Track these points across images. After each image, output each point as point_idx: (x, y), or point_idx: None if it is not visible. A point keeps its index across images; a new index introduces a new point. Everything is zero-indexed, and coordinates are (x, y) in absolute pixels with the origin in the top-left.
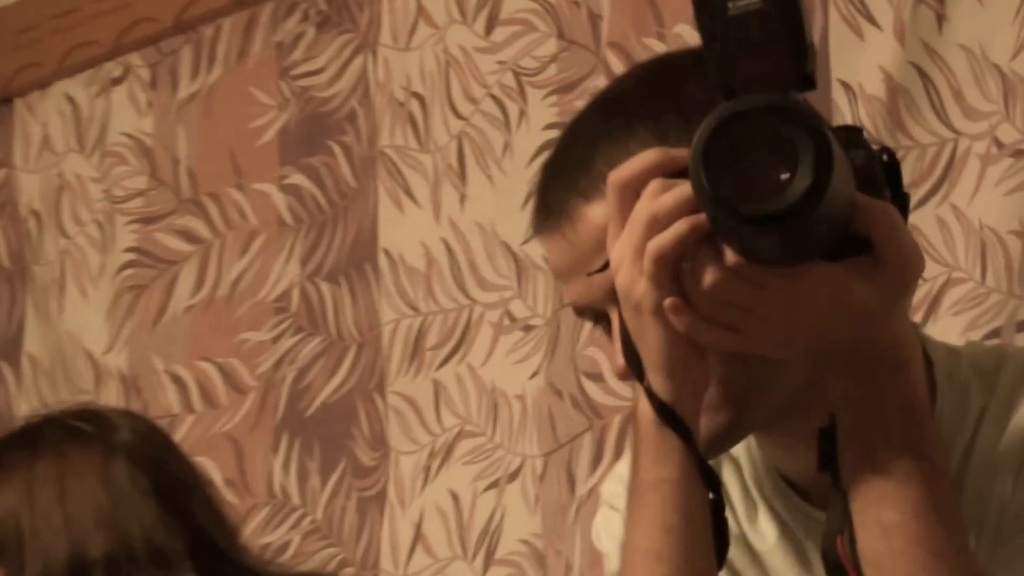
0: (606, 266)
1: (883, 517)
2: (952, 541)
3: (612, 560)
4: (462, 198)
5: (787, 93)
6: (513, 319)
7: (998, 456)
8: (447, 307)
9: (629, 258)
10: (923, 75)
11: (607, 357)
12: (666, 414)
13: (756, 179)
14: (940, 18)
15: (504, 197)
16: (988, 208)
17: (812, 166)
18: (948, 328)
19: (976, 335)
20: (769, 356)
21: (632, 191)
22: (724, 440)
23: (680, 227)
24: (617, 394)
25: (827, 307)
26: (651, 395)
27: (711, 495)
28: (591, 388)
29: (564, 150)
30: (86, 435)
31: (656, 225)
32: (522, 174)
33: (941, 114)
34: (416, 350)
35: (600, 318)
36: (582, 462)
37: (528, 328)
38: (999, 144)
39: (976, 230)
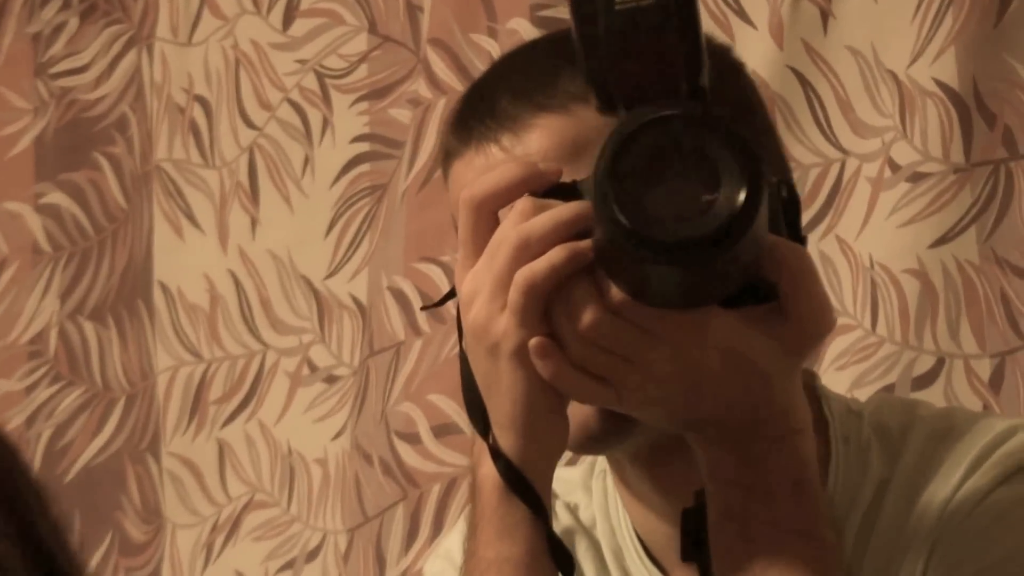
0: (449, 296)
1: None
2: None
3: None
4: (253, 223)
5: (702, 103)
6: (314, 368)
7: (905, 535)
8: (235, 353)
9: (488, 290)
10: (804, 82)
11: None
12: (514, 479)
13: (672, 199)
14: (825, 15)
15: (304, 223)
16: (880, 242)
17: (738, 189)
18: (832, 384)
19: (864, 393)
20: (640, 419)
21: (490, 211)
22: (598, 440)
23: (557, 255)
24: (436, 458)
25: (718, 364)
26: (497, 455)
27: None
28: (405, 451)
29: (510, 67)
30: None
31: (527, 251)
32: (325, 195)
33: (826, 129)
34: (197, 404)
35: None
36: (394, 538)
37: (331, 379)
38: (894, 166)
39: (866, 268)
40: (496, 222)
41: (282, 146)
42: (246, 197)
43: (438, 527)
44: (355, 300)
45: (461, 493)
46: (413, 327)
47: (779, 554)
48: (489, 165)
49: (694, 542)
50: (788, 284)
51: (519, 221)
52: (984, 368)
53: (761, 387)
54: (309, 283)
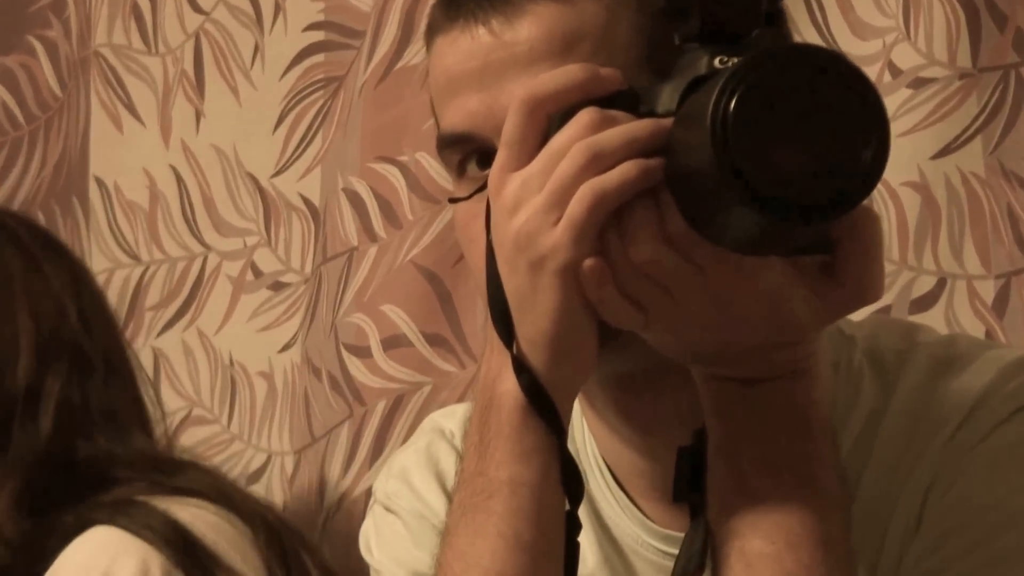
0: (480, 189)
1: (749, 548)
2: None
3: None
4: (198, 115)
5: (838, 51)
6: (258, 273)
7: (900, 470)
8: (174, 255)
9: (543, 200)
10: None
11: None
12: (539, 398)
13: (793, 150)
14: None
15: (252, 116)
16: None
17: (866, 147)
18: None
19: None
20: (655, 346)
21: (544, 113)
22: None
23: (629, 171)
24: (384, 373)
25: (757, 309)
26: (522, 370)
27: (568, 508)
28: (354, 365)
29: None
30: None
31: (596, 163)
32: (275, 88)
33: (824, 29)
34: (133, 309)
35: (481, 156)
36: (335, 461)
37: (278, 286)
38: (895, 70)
39: None
40: (548, 125)
41: (230, 33)
42: (190, 87)
43: (379, 447)
44: (306, 201)
45: (409, 410)
46: (368, 232)
47: (775, 497)
48: (473, 48)
49: (688, 481)
50: (851, 246)
51: (588, 131)
52: (988, 290)
53: (791, 337)
54: (256, 181)
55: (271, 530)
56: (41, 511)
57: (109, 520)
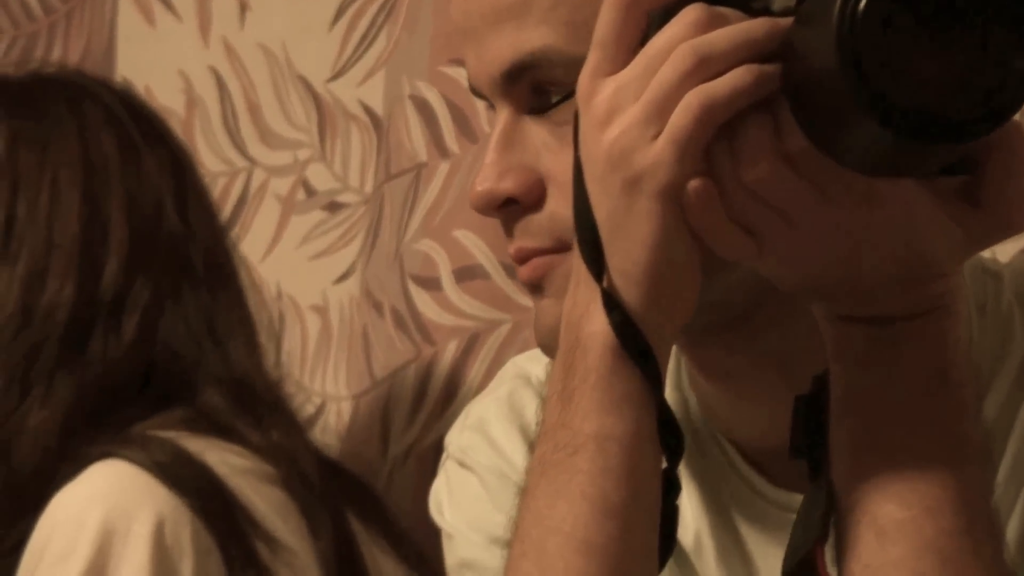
0: (567, 97)
1: (882, 515)
2: (979, 549)
3: (462, 544)
4: (243, 8)
5: None
6: (312, 192)
7: None
8: (214, 170)
9: (641, 110)
10: None
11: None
12: (632, 339)
13: (938, 62)
14: None
15: (304, 10)
16: None
17: (1015, 60)
18: None
19: None
20: (772, 279)
21: (642, 10)
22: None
23: (742, 77)
24: (456, 309)
25: (887, 237)
26: (613, 306)
27: (665, 465)
28: (422, 299)
29: None
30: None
31: (704, 68)
32: None
33: None
34: None
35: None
36: (399, 409)
37: (334, 207)
38: None
39: None
40: (648, 24)
41: None
42: None
43: (450, 393)
44: (366, 109)
45: (485, 352)
46: (438, 146)
47: (911, 455)
48: None
49: (807, 435)
50: (997, 167)
51: (694, 31)
52: None
53: (928, 270)
54: (309, 86)
55: (323, 490)
56: (81, 431)
57: (132, 458)
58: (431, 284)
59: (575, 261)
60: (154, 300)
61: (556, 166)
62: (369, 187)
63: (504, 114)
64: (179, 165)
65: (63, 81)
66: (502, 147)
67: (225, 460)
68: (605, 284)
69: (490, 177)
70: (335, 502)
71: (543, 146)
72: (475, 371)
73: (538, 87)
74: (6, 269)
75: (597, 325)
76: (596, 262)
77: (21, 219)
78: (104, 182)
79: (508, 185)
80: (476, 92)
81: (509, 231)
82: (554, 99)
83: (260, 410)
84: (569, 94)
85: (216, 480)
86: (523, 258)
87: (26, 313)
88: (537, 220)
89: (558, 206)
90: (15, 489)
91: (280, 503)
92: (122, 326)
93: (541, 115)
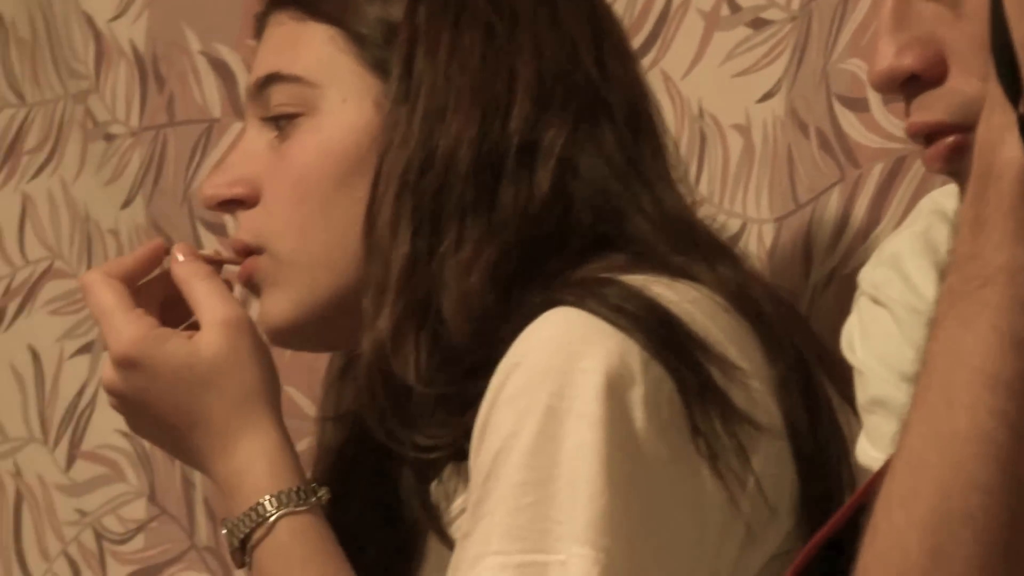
0: None
1: None
2: None
3: (873, 381)
4: None
5: None
6: (736, 8)
7: None
8: None
9: None
10: None
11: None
12: None
13: None
14: None
15: None
16: None
17: None
18: None
19: None
20: None
21: None
22: None
23: None
24: (884, 131)
25: None
26: None
27: None
28: (847, 120)
29: None
30: None
31: None
32: None
33: None
34: None
35: None
36: (823, 232)
37: (759, 23)
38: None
39: None
40: None
41: None
42: None
43: (874, 218)
44: None
45: (911, 176)
46: None
47: None
48: None
49: None
50: None
51: None
52: None
53: None
54: None
55: (776, 317)
56: (514, 285)
57: (578, 303)
58: (858, 105)
59: (990, 85)
60: (571, 144)
61: (956, 37)
62: (796, 3)
63: None
64: (596, 13)
65: None
66: (895, 23)
67: (673, 290)
68: (1022, 109)
69: (888, 55)
70: (788, 330)
71: (937, 18)
72: (901, 194)
73: None
74: (406, 106)
75: (1012, 151)
76: (1013, 86)
77: (420, 58)
78: (511, 29)
79: (909, 61)
80: None
81: (907, 105)
82: None
83: (701, 248)
84: None
85: (663, 310)
86: (921, 132)
87: (429, 152)
88: (937, 95)
89: (958, 81)
90: (453, 351)
91: (732, 329)
92: (535, 175)
93: None
